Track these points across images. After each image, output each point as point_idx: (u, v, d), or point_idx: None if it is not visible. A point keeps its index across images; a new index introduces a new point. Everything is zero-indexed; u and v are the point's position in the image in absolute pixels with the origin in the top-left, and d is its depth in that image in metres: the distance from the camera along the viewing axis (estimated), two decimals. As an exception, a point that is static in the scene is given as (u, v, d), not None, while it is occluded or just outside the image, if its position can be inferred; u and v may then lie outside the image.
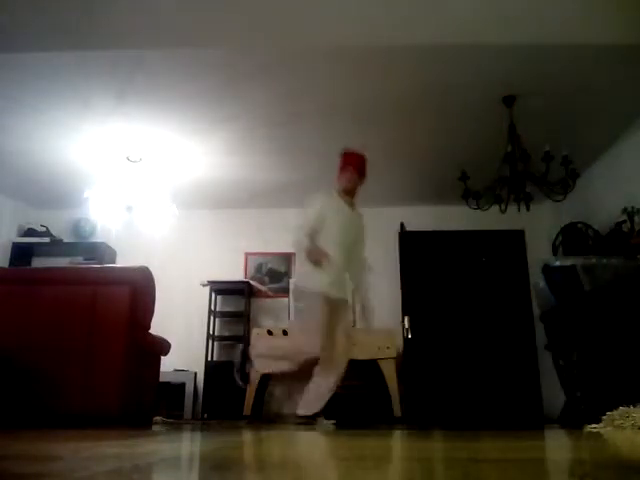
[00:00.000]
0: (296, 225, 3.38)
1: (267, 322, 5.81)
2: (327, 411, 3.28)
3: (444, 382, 5.27)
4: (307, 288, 3.33)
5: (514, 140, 4.02)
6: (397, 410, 4.83)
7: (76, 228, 6.20)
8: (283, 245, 5.55)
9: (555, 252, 5.18)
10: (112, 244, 5.99)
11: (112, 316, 2.96)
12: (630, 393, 2.51)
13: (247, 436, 2.27)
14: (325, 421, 3.26)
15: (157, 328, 3.39)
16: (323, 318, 3.26)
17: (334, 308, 3.34)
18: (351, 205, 3.48)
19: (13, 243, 5.90)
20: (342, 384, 3.37)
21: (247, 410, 4.62)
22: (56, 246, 5.98)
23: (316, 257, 3.23)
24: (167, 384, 5.05)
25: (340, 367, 3.35)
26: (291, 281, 5.03)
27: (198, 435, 2.33)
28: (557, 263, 4.03)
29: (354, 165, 3.42)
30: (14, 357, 2.81)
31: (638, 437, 1.87)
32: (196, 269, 5.85)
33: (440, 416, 5.05)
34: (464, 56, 3.63)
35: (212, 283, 5.71)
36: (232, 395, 5.04)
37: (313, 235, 3.31)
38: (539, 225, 5.72)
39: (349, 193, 3.46)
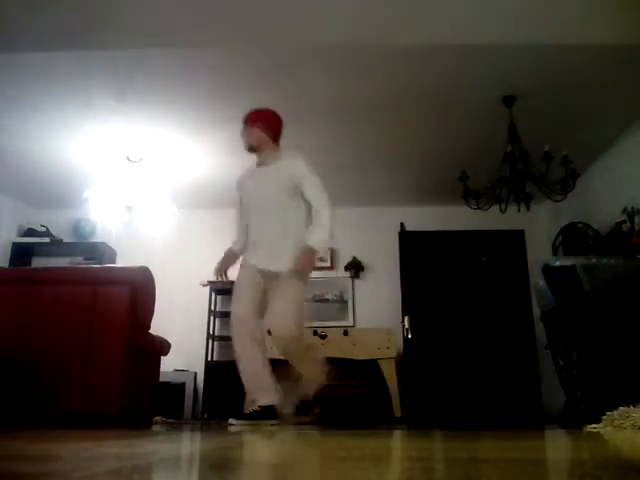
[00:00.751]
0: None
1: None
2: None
3: (444, 382, 5.27)
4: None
5: (514, 140, 4.03)
6: (397, 410, 4.83)
7: (76, 228, 6.20)
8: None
9: (555, 252, 5.18)
10: (112, 244, 5.98)
11: (112, 316, 2.96)
12: (630, 393, 2.51)
13: (247, 436, 2.27)
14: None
15: (157, 328, 3.39)
16: (239, 282, 3.13)
17: (261, 281, 3.11)
18: (262, 163, 3.29)
19: (13, 243, 5.90)
20: (342, 384, 3.31)
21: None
22: (56, 246, 5.98)
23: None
24: (167, 384, 5.05)
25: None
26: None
27: (198, 435, 2.33)
28: (557, 263, 4.03)
29: (250, 120, 3.24)
30: (14, 357, 2.81)
31: (638, 437, 1.87)
32: (196, 269, 5.84)
33: (440, 416, 5.05)
34: (464, 56, 3.63)
35: (212, 283, 5.71)
36: (232, 395, 5.04)
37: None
38: (539, 225, 5.72)
39: (255, 150, 3.28)
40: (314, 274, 3.44)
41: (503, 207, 4.14)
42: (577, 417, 3.54)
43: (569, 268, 3.81)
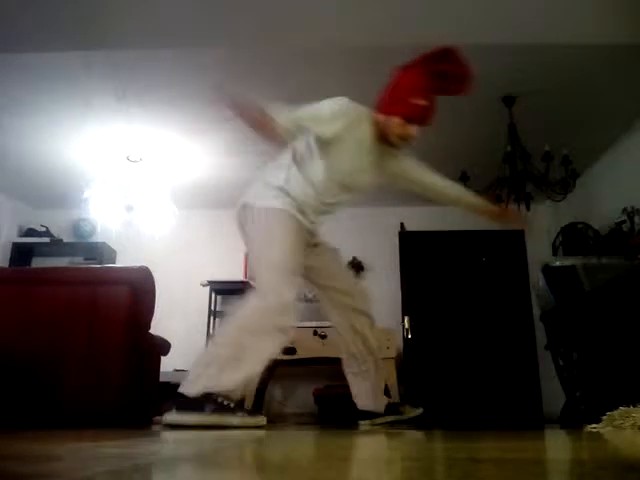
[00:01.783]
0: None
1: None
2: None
3: (444, 382, 5.27)
4: (259, 204, 2.47)
5: (514, 140, 4.03)
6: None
7: (76, 228, 6.20)
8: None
9: (555, 252, 5.18)
10: (112, 244, 5.99)
11: (112, 316, 2.95)
12: (630, 393, 2.51)
13: (247, 436, 2.27)
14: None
15: (157, 328, 3.38)
16: (287, 238, 2.39)
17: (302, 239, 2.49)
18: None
19: (13, 243, 5.89)
20: (342, 384, 3.27)
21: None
22: (56, 246, 5.98)
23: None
24: (167, 384, 5.04)
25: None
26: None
27: (198, 435, 2.33)
28: (557, 263, 4.03)
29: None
30: (14, 357, 2.80)
31: (638, 437, 1.87)
32: (196, 269, 5.85)
33: (440, 416, 5.05)
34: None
35: (212, 283, 5.71)
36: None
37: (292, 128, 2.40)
38: (539, 225, 5.72)
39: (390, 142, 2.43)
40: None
41: (503, 207, 4.14)
42: (577, 417, 3.54)
43: (569, 268, 3.81)
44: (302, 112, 2.42)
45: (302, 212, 2.47)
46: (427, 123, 2.38)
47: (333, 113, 2.42)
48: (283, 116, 2.37)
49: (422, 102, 2.28)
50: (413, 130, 2.34)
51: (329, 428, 3.14)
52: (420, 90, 2.32)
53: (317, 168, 2.45)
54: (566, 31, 3.32)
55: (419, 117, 2.34)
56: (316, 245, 2.65)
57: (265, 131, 2.37)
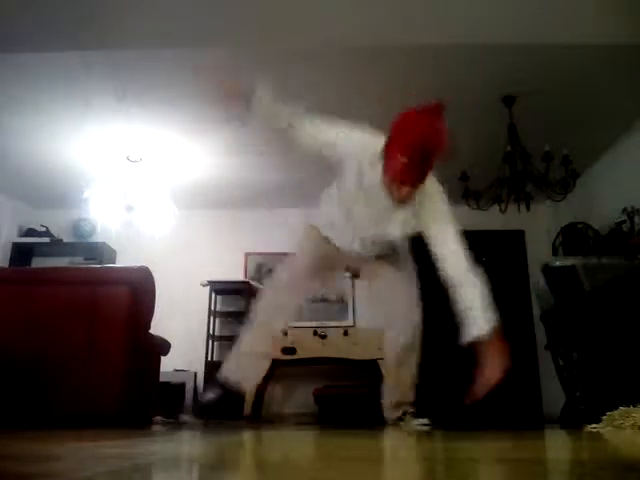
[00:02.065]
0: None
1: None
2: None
3: (444, 382, 5.26)
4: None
5: (514, 140, 4.03)
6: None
7: (76, 228, 6.20)
8: (283, 245, 5.55)
9: (555, 252, 5.18)
10: (112, 244, 5.98)
11: (112, 316, 2.95)
12: (630, 393, 2.51)
13: (247, 436, 2.27)
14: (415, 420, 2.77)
15: (157, 328, 3.38)
16: (305, 250, 2.74)
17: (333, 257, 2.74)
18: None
19: (13, 243, 5.89)
20: (342, 384, 3.28)
21: (247, 410, 4.62)
22: (56, 246, 5.98)
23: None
24: (167, 384, 5.05)
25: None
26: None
27: (198, 435, 2.33)
28: (557, 263, 4.03)
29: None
30: (14, 357, 2.80)
31: (638, 437, 1.87)
32: (196, 269, 5.84)
33: (440, 416, 5.05)
34: (464, 56, 3.63)
35: (212, 283, 5.71)
36: (232, 395, 5.03)
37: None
38: (539, 225, 5.72)
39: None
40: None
41: (503, 207, 4.14)
42: (577, 417, 3.53)
43: (569, 268, 3.80)
44: (314, 123, 2.62)
45: (333, 228, 2.69)
46: (420, 181, 2.34)
47: (326, 132, 2.61)
48: (277, 105, 2.65)
49: (405, 160, 2.18)
50: (406, 191, 2.32)
51: (329, 428, 3.14)
52: (405, 148, 2.20)
53: (336, 193, 2.65)
54: (566, 31, 3.32)
55: (409, 179, 2.28)
56: (371, 261, 2.84)
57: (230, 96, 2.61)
